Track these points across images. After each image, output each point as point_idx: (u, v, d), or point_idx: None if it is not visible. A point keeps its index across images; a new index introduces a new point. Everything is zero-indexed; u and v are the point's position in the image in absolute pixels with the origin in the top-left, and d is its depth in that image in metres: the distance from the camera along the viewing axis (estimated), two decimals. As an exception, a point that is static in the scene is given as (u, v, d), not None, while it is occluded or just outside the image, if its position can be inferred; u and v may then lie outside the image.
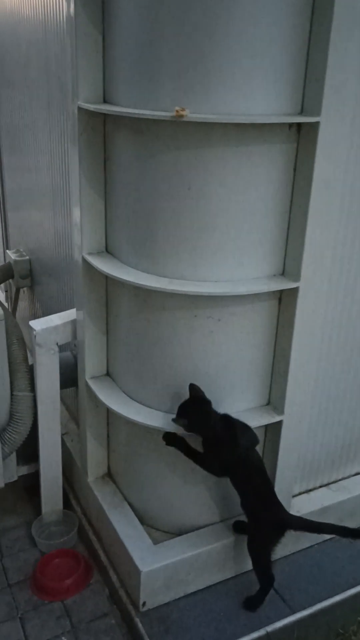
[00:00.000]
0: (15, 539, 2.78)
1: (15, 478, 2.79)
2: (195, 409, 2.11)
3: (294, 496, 2.56)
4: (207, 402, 2.11)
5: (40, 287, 3.40)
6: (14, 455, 2.74)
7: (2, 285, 3.63)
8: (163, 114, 1.78)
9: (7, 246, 3.82)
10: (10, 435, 2.59)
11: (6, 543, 2.75)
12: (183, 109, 1.73)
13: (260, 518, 2.25)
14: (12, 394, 2.60)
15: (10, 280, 3.49)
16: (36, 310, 3.51)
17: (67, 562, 2.58)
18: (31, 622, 2.37)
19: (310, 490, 2.65)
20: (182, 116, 1.73)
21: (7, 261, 3.45)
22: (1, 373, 2.54)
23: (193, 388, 2.11)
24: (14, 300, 3.56)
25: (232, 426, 2.13)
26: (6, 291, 3.84)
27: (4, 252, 3.82)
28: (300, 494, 2.62)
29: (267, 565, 2.29)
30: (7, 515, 2.90)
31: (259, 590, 2.32)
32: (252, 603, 2.33)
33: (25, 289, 3.51)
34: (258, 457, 2.24)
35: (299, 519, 2.34)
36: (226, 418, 2.14)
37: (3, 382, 2.56)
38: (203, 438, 2.15)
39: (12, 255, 3.39)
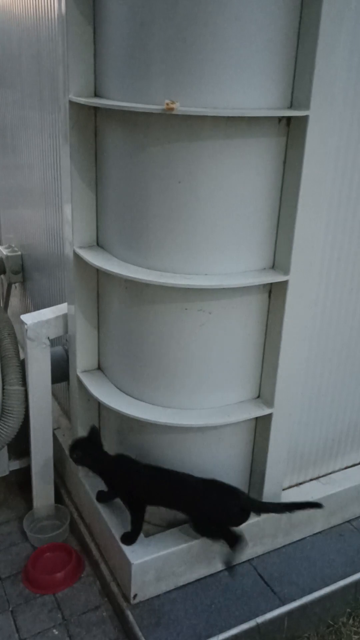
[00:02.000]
0: (7, 534, 2.78)
1: (7, 472, 2.79)
2: (88, 448, 2.35)
3: (284, 489, 2.58)
4: (100, 445, 2.38)
5: (32, 282, 3.40)
6: (5, 450, 2.74)
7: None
8: (153, 107, 1.79)
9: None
10: (1, 429, 2.59)
11: (-2, 537, 2.76)
12: (173, 102, 1.75)
13: (216, 516, 2.27)
14: (3, 388, 2.60)
15: (2, 276, 3.49)
16: (28, 306, 3.51)
17: (59, 556, 2.59)
18: (23, 615, 2.37)
19: (301, 483, 2.67)
20: (172, 109, 1.74)
21: (-2, 257, 3.45)
22: (-8, 367, 2.54)
23: (92, 429, 2.38)
24: (6, 296, 3.56)
25: (126, 465, 2.33)
26: (-2, 288, 3.84)
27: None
28: (290, 487, 2.64)
29: (227, 533, 2.29)
30: (-2, 510, 2.91)
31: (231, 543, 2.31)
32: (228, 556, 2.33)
33: (17, 284, 3.51)
34: (177, 474, 2.30)
35: (260, 503, 2.36)
36: (121, 457, 2.36)
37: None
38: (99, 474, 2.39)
39: (3, 250, 3.39)
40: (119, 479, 2.34)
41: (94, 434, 2.39)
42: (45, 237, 3.02)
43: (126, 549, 2.28)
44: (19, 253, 3.37)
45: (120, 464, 2.34)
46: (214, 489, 2.27)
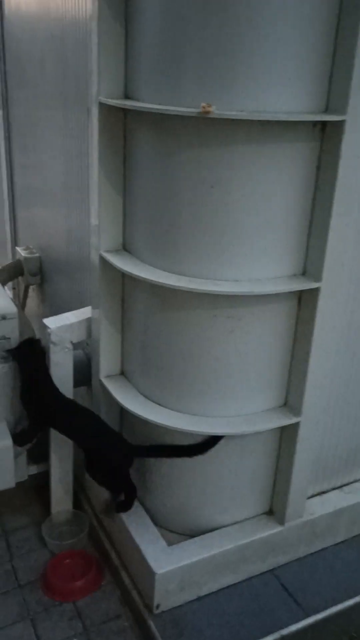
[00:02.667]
0: (25, 539, 2.75)
1: (26, 477, 2.76)
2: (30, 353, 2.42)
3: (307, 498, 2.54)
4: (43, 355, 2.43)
5: (50, 285, 3.37)
6: (24, 455, 2.71)
7: (10, 282, 3.60)
8: (188, 110, 1.76)
9: (16, 243, 3.79)
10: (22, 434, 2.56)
11: (16, 543, 2.72)
12: (209, 105, 1.71)
13: (106, 455, 2.35)
14: (24, 393, 2.57)
15: (20, 278, 3.46)
16: (45, 308, 3.49)
17: (78, 563, 2.55)
18: (43, 623, 2.34)
19: (324, 492, 2.63)
20: (208, 112, 1.71)
21: (17, 258, 3.42)
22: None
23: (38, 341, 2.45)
24: (23, 298, 3.53)
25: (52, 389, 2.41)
26: (14, 288, 3.81)
27: (13, 249, 3.79)
28: (313, 496, 2.60)
29: (124, 482, 2.37)
30: (16, 515, 2.87)
31: (126, 500, 2.41)
32: (123, 506, 2.42)
33: (34, 286, 3.48)
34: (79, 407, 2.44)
35: (142, 447, 2.37)
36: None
37: (15, 380, 2.53)
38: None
39: (22, 252, 3.36)
40: (39, 396, 2.41)
41: (38, 346, 2.44)
42: (66, 239, 2.99)
43: (149, 557, 2.24)
44: (37, 255, 3.34)
45: (52, 389, 2.41)
46: (105, 431, 2.37)
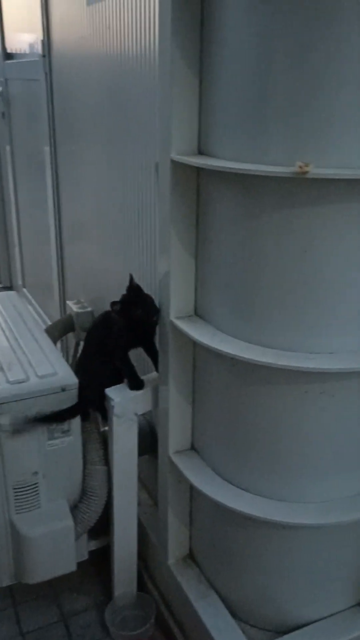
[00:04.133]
0: (86, 626, 2.52)
1: (86, 557, 2.53)
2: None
3: None
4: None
5: (103, 340, 3.17)
6: (85, 534, 2.49)
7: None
8: (280, 170, 1.55)
9: (64, 294, 3.62)
10: (84, 513, 2.35)
11: (77, 631, 2.49)
12: (307, 165, 1.50)
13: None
14: (85, 468, 2.36)
15: (71, 333, 3.28)
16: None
17: (148, 658, 2.31)
18: None
19: None
20: (306, 172, 1.50)
21: (67, 313, 3.25)
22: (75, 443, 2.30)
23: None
24: (74, 355, 3.35)
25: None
26: (61, 341, 3.63)
27: (61, 301, 3.63)
28: None
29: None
30: (74, 595, 2.65)
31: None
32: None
33: (85, 341, 3.30)
34: None
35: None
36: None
37: (76, 454, 2.33)
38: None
39: (73, 307, 3.18)
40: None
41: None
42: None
43: (233, 662, 1.99)
44: (90, 309, 3.16)
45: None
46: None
